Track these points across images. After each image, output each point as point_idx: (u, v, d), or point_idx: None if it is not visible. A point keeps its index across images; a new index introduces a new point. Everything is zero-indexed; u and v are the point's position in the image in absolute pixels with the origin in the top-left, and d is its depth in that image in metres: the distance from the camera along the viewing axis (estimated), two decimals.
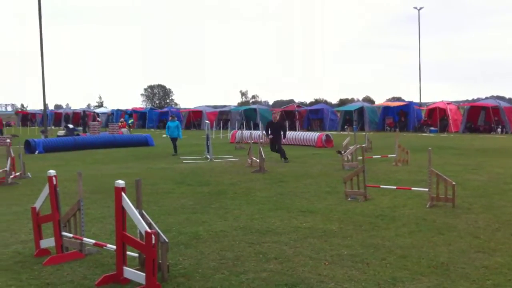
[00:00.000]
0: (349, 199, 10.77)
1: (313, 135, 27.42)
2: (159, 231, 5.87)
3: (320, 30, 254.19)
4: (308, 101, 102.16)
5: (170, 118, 25.33)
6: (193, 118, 54.48)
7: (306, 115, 49.00)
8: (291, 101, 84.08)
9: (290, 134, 29.19)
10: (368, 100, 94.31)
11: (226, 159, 20.52)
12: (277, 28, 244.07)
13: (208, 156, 20.53)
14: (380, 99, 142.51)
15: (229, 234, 8.04)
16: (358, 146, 16.89)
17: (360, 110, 43.98)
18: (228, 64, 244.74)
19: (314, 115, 48.78)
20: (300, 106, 54.54)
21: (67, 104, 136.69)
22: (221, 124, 45.53)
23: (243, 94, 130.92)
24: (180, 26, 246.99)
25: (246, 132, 28.92)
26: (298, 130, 38.90)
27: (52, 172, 7.08)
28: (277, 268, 6.24)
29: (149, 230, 5.62)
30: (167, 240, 5.98)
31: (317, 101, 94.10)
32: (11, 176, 14.47)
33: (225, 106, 68.05)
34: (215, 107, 69.77)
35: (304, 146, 26.45)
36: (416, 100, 56.06)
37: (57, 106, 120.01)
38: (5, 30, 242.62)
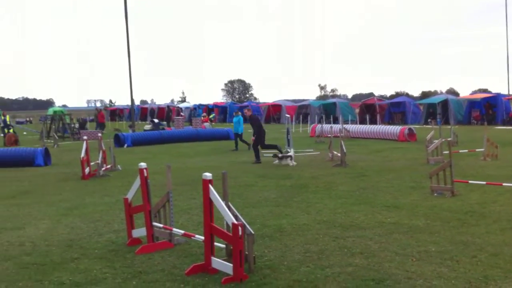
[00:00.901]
0: (435, 194, 10.47)
1: (395, 128, 26.80)
2: (245, 223, 5.99)
3: (402, 20, 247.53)
4: (388, 94, 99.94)
5: (234, 113, 25.11)
6: (273, 112, 54.67)
7: (387, 109, 47.88)
8: (371, 94, 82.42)
9: (371, 127, 28.73)
10: (452, 92, 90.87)
11: (306, 153, 20.50)
12: (358, 21, 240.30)
13: (289, 150, 20.58)
14: (465, 91, 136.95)
15: (312, 227, 8.06)
16: (443, 140, 16.35)
17: (444, 103, 42.41)
18: (307, 58, 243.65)
19: (395, 108, 47.57)
20: (380, 99, 53.35)
21: (152, 100, 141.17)
22: (300, 118, 45.46)
23: (322, 88, 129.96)
24: (259, 21, 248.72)
25: (326, 126, 28.72)
26: (379, 124, 38.12)
27: (143, 164, 7.38)
28: (362, 263, 6.20)
29: (235, 222, 5.75)
30: (253, 232, 6.09)
31: (398, 94, 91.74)
32: (103, 169, 15.22)
33: (303, 100, 67.77)
34: (294, 101, 69.64)
35: (385, 140, 25.93)
36: (504, 91, 53.31)
37: (143, 102, 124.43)
38: (95, 29, 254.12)
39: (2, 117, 34.45)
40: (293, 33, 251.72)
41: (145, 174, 7.36)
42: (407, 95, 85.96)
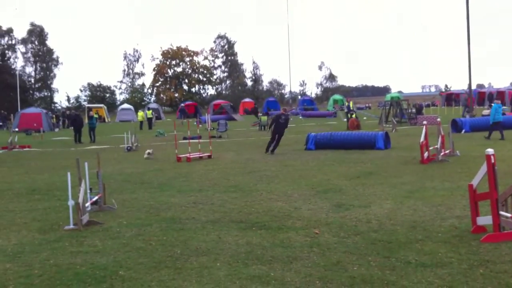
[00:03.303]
0: None
1: None
2: None
3: None
4: None
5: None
6: None
7: None
8: None
9: None
10: None
11: None
12: None
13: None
14: None
15: None
16: None
17: None
18: None
19: None
20: None
21: (489, 83, 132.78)
22: None
23: None
24: None
25: None
26: None
27: (490, 151, 7.16)
28: None
29: None
30: None
31: None
32: (441, 154, 15.15)
33: None
34: None
35: None
36: None
37: (479, 86, 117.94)
38: (433, 14, 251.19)
39: (346, 103, 37.37)
40: None
41: (493, 161, 7.11)
42: None
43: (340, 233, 7.58)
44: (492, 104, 22.92)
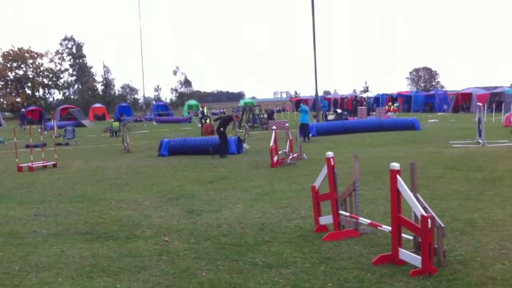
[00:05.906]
0: None
1: None
2: (434, 215, 5.84)
3: None
4: None
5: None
6: (461, 101, 51.57)
7: None
8: None
9: None
10: None
11: (500, 144, 19.04)
12: None
13: (480, 141, 19.33)
14: None
15: (508, 223, 7.57)
16: None
17: None
18: (497, 40, 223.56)
19: None
20: None
21: (335, 90, 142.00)
22: (493, 107, 42.16)
23: None
24: (442, 5, 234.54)
25: None
26: None
27: (330, 154, 7.57)
28: None
29: (425, 214, 5.64)
30: (443, 225, 5.91)
31: None
32: (290, 157, 15.81)
33: (496, 87, 62.54)
34: (485, 88, 64.68)
35: None
36: None
37: (326, 92, 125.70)
38: (279, 24, 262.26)
39: (201, 109, 37.53)
40: (481, 16, 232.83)
41: (332, 163, 7.53)
42: None
43: (191, 239, 7.55)
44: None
